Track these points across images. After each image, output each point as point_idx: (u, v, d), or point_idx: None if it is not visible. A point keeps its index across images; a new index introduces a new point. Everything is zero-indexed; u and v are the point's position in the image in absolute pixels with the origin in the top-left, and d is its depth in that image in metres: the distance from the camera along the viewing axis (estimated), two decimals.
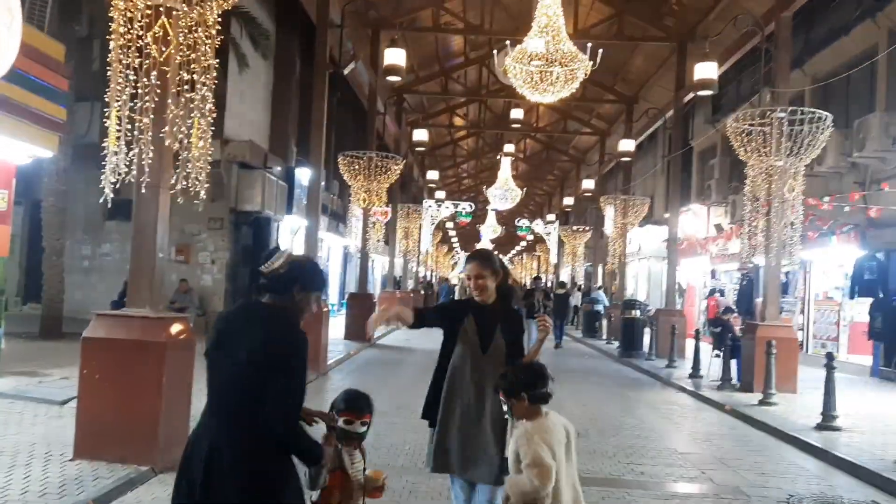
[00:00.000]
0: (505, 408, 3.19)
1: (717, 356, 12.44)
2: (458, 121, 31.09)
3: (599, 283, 34.34)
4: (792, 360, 10.91)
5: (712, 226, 22.20)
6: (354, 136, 24.20)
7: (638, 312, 16.91)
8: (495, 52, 11.70)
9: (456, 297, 26.50)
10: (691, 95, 17.04)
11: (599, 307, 23.36)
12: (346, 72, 16.06)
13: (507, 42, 10.89)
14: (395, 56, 12.61)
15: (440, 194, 31.31)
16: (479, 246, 58.43)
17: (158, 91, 5.69)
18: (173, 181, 6.06)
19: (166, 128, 5.79)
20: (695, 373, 12.92)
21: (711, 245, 22.21)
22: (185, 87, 6.02)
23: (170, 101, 5.80)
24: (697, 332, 13.52)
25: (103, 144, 5.87)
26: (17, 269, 19.44)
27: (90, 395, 5.67)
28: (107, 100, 5.75)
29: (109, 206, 5.88)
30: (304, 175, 19.56)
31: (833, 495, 5.86)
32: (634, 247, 25.63)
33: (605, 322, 22.88)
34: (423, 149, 20.33)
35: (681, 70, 17.15)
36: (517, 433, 3.06)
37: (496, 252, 5.59)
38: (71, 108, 13.08)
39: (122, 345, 5.68)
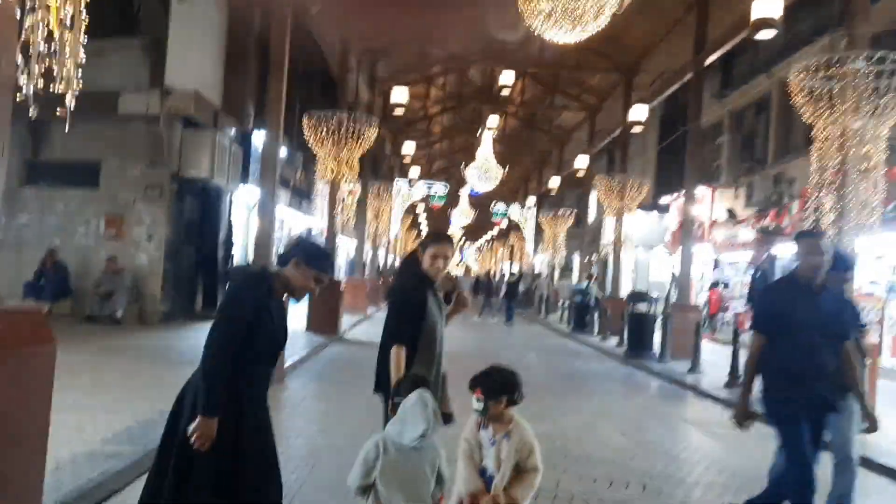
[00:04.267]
0: (479, 405, 3.08)
1: None
2: (435, 93, 28.56)
3: (574, 271, 32.39)
4: (872, 372, 8.70)
5: (719, 210, 20.15)
6: (322, 105, 21.55)
7: (648, 306, 14.65)
8: None
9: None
10: (714, 57, 14.79)
11: (591, 299, 21.10)
12: (313, 11, 13.43)
13: None
14: None
15: (414, 171, 28.69)
16: (449, 232, 56.13)
17: None
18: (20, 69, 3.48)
19: None
20: (733, 381, 10.71)
21: (717, 232, 20.16)
22: None
23: None
24: (736, 332, 11.26)
25: None
26: None
27: None
28: None
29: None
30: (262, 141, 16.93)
31: None
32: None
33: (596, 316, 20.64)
34: (401, 111, 17.73)
35: (701, 28, 14.89)
36: (523, 435, 3.05)
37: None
38: None
39: None
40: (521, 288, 33.30)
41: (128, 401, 6.67)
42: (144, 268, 13.71)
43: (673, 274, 24.02)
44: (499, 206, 36.67)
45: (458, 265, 79.74)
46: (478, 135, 26.78)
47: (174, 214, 14.01)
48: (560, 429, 7.32)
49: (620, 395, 10.53)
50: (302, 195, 22.84)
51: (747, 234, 17.75)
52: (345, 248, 32.32)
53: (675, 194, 23.54)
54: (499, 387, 3.06)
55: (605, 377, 12.40)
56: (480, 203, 42.14)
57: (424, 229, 56.35)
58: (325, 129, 14.67)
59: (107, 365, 8.56)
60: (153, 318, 13.43)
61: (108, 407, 6.38)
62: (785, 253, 16.90)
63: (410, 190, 30.30)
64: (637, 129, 16.89)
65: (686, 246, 15.23)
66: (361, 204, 23.34)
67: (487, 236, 59.94)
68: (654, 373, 12.84)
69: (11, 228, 14.69)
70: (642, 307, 14.72)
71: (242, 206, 17.18)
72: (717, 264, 20.78)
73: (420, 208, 40.83)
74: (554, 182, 28.65)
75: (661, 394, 10.89)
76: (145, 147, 13.57)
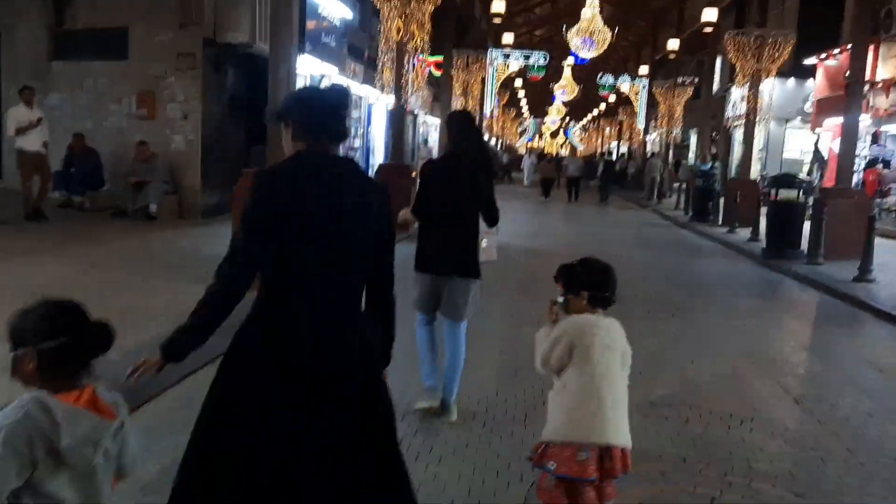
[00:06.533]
0: (560, 298, 2.77)
1: None
2: None
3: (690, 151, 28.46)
4: None
5: (884, 71, 16.16)
6: None
7: (798, 194, 11.49)
8: None
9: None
10: None
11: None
12: None
13: None
14: None
15: (508, 38, 25.22)
16: (551, 109, 52.18)
17: None
18: None
19: None
20: None
21: (878, 98, 16.25)
22: None
23: None
24: None
25: None
26: None
27: None
28: None
29: None
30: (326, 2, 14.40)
31: None
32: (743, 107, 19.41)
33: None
34: None
35: None
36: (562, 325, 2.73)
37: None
38: None
39: None
40: (631, 169, 31.06)
41: None
42: (181, 153, 11.72)
43: (817, 151, 20.25)
44: (606, 78, 32.72)
45: (562, 145, 75.42)
46: None
47: (212, 88, 11.81)
48: (692, 389, 4.80)
49: (771, 319, 7.76)
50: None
51: None
52: (424, 128, 29.70)
53: (823, 54, 19.44)
54: (582, 280, 2.68)
55: (742, 288, 9.62)
56: (586, 76, 38.13)
57: (524, 106, 52.68)
58: None
59: (87, 283, 6.59)
60: (193, 213, 11.55)
61: None
62: None
63: (506, 62, 27.07)
64: None
65: (851, 113, 11.75)
66: (445, 77, 20.52)
67: (592, 114, 55.56)
68: (807, 280, 9.92)
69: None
70: (789, 194, 11.56)
71: (301, 79, 14.78)
72: (875, 138, 16.95)
73: (518, 83, 37.27)
74: (672, 45, 24.60)
75: (826, 315, 8.07)
76: (173, 6, 11.26)
